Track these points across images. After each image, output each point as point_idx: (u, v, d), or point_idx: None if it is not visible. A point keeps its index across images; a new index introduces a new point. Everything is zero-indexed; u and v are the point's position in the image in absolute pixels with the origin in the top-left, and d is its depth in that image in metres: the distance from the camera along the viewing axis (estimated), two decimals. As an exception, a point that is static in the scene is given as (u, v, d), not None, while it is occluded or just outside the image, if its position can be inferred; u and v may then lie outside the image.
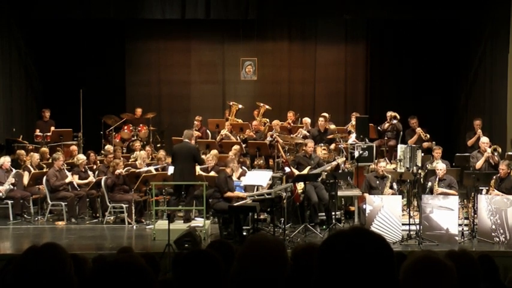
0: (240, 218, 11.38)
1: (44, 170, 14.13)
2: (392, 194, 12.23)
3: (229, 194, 11.86)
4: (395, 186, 12.50)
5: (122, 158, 14.43)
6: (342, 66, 19.62)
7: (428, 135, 15.27)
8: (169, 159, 13.83)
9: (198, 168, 13.55)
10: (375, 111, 17.98)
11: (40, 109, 17.71)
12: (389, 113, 15.96)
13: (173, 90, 19.66)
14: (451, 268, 2.60)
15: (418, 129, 15.37)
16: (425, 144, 15.05)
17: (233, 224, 11.33)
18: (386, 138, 15.75)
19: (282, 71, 19.61)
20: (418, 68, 18.52)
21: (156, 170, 13.91)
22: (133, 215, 12.99)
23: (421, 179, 12.51)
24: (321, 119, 15.77)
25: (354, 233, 2.19)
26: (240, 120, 17.52)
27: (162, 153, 14.82)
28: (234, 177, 12.81)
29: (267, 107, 17.62)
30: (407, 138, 15.38)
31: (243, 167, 14.19)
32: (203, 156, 14.03)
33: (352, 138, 15.14)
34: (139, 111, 18.14)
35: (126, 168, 13.80)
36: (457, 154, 14.75)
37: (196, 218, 12.85)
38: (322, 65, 19.54)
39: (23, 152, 14.84)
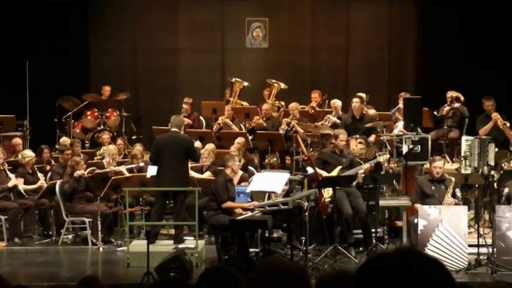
0: (245, 236, 11.37)
1: (-22, 171, 14.16)
2: (455, 204, 12.19)
3: (229, 204, 11.82)
4: (458, 193, 12.45)
5: (82, 155, 14.43)
6: (385, 29, 19.59)
7: (508, 123, 15.13)
8: (147, 156, 13.81)
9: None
10: (430, 90, 17.91)
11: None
12: (450, 93, 15.89)
13: (154, 62, 19.66)
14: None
15: (495, 115, 15.17)
16: None
17: (236, 244, 11.32)
18: (446, 127, 15.70)
19: (302, 36, 19.59)
20: (490, 33, 18.39)
21: (131, 171, 13.90)
22: (100, 232, 12.99)
23: (495, 184, 12.45)
24: (355, 100, 15.72)
25: (401, 257, 2.19)
26: (245, 103, 17.51)
27: (138, 148, 14.80)
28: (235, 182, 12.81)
29: (282, 85, 17.59)
30: (479, 127, 15.28)
31: (250, 167, 14.16)
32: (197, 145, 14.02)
33: (399, 127, 15.09)
34: (107, 90, 18.15)
35: (89, 169, 13.78)
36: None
37: (185, 237, 12.85)
38: (357, 26, 19.51)
39: None
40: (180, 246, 11.65)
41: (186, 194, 12.41)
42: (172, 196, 12.29)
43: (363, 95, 16.25)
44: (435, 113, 15.94)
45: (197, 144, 14.37)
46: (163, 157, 12.21)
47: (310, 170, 12.71)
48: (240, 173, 13.41)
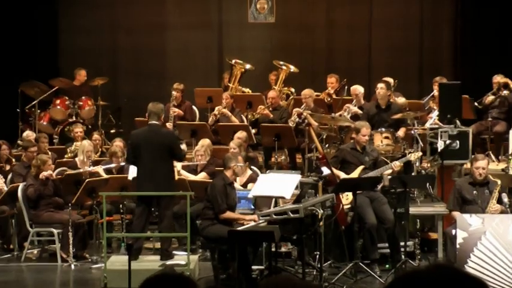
0: (247, 251, 11.35)
1: None
2: (502, 211, 12.17)
3: (229, 214, 11.82)
4: (505, 198, 12.43)
5: (50, 153, 14.43)
6: (416, 2, 19.58)
7: None
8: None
9: (178, 166, 13.52)
10: (470, 74, 17.95)
11: None
12: (496, 79, 15.91)
13: (137, 40, 19.70)
14: None
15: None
16: None
17: (236, 261, 11.30)
18: (490, 119, 15.71)
19: (316, 9, 19.64)
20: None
21: (109, 171, 13.91)
22: (71, 246, 12.98)
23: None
24: (381, 86, 15.72)
25: (435, 275, 2.19)
26: (247, 90, 17.51)
27: (118, 144, 14.86)
28: (238, 185, 12.78)
29: (292, 68, 17.59)
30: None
31: (253, 168, 14.16)
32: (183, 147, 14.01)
33: (434, 119, 15.09)
34: (82, 75, 18.18)
35: (58, 169, 13.80)
36: None
37: (175, 252, 12.85)
38: (382, -1, 19.58)
39: None
40: (169, 262, 11.65)
41: (172, 199, 12.37)
42: (156, 201, 12.19)
43: (390, 80, 16.27)
44: (475, 103, 15.93)
45: (183, 146, 14.36)
46: (141, 157, 12.12)
47: (325, 170, 12.71)
48: (249, 172, 13.40)
